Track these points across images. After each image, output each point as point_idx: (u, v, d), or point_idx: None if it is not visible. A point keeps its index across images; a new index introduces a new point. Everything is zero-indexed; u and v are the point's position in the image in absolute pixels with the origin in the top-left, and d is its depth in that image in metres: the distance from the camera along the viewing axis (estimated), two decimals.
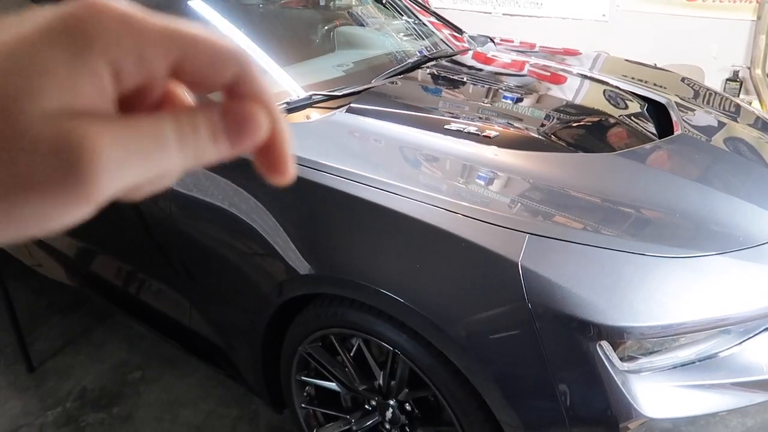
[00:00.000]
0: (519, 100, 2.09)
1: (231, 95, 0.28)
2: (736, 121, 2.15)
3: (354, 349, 1.58)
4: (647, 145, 1.73)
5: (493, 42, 2.82)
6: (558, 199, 1.46)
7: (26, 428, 2.10)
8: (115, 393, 2.24)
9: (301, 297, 1.56)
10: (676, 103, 2.08)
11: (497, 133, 1.72)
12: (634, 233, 1.37)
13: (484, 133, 1.71)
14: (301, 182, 1.53)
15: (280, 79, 2.06)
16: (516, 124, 1.85)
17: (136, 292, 2.21)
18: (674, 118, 1.92)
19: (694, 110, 2.10)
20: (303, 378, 1.69)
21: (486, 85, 2.23)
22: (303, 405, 1.73)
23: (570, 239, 1.30)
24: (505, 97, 2.11)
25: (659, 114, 2.03)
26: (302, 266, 1.49)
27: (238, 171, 1.63)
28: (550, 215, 1.38)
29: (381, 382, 1.54)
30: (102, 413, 2.15)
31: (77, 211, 0.24)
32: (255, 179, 1.66)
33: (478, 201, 1.41)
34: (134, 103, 0.27)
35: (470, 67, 2.42)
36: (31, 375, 2.34)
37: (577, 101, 2.18)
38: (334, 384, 1.64)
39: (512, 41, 2.97)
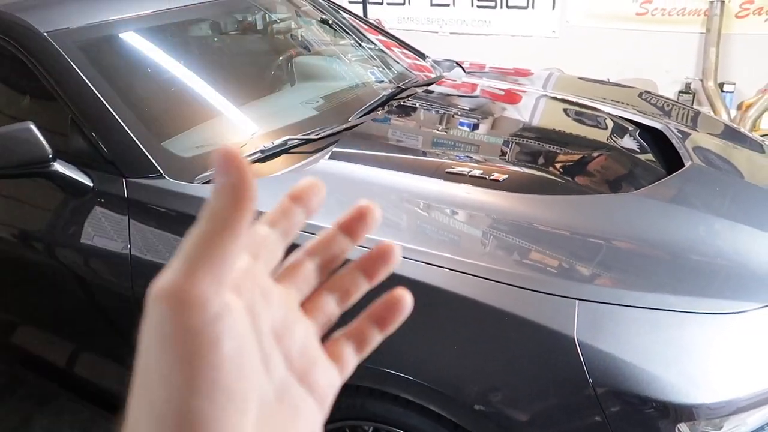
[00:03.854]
0: (493, 129, 1.93)
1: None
2: (697, 131, 2.08)
3: None
4: (664, 182, 1.60)
5: (461, 67, 2.66)
6: (593, 252, 1.30)
7: None
8: None
9: None
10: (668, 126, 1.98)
11: (506, 176, 1.55)
12: (688, 289, 1.23)
13: (492, 177, 1.54)
14: (293, 248, 1.31)
15: (247, 123, 1.83)
16: (519, 162, 1.69)
17: (85, 371, 1.90)
18: (678, 147, 1.80)
19: (669, 126, 2.00)
20: None
21: (473, 118, 2.06)
22: None
23: (623, 302, 1.14)
24: (465, 125, 1.95)
25: (656, 141, 1.92)
26: None
27: None
28: (595, 274, 1.22)
29: None
30: None
31: None
32: None
33: (511, 262, 1.23)
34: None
35: (450, 96, 2.25)
36: None
37: (581, 133, 2.04)
38: None
39: (462, 63, 2.83)
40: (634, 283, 1.22)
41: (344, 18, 2.76)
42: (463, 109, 2.16)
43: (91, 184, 1.56)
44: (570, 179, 1.61)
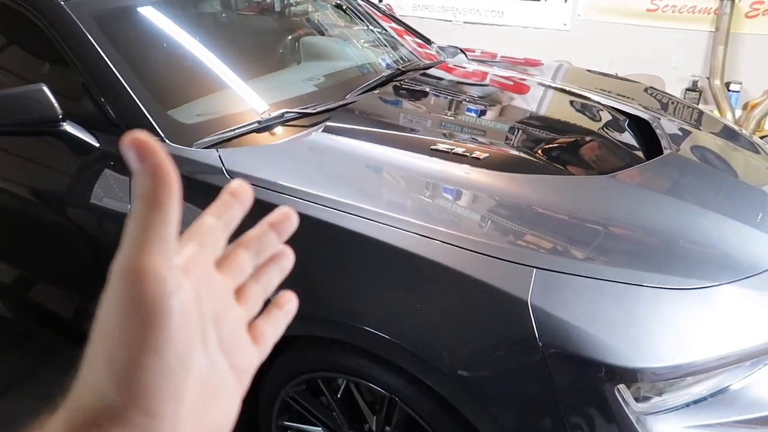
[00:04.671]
0: (483, 113, 2.00)
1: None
2: (699, 129, 2.13)
3: (341, 390, 1.46)
4: (639, 166, 1.67)
5: (464, 53, 2.73)
6: (558, 227, 1.38)
7: None
8: None
9: (282, 337, 1.42)
10: (655, 116, 2.04)
11: (487, 155, 1.63)
12: (642, 264, 1.30)
13: (473, 155, 1.62)
14: None
15: (248, 95, 1.92)
16: (503, 143, 1.76)
17: (88, 323, 2.01)
18: (661, 136, 1.86)
19: (660, 119, 2.07)
20: (285, 423, 1.55)
21: (464, 100, 2.14)
22: None
23: (579, 273, 1.22)
24: (472, 110, 2.03)
25: (642, 130, 1.98)
26: None
27: (208, 200, 1.48)
28: (555, 246, 1.30)
29: (373, 427, 1.42)
30: None
31: None
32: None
33: (478, 231, 1.32)
34: None
35: (447, 81, 2.33)
36: None
37: (564, 118, 2.11)
38: (319, 429, 1.52)
39: (474, 51, 2.90)
40: (592, 256, 1.29)
41: (355, 2, 2.84)
42: (458, 92, 2.24)
43: (97, 145, 1.66)
44: (548, 161, 1.68)
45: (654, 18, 3.87)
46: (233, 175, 1.49)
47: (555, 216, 1.40)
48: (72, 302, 2.07)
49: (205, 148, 1.61)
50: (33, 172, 1.88)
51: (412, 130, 1.83)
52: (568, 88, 2.30)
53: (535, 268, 1.21)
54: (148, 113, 1.67)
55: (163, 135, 1.63)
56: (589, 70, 2.81)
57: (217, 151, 1.58)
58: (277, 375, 1.48)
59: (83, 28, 1.78)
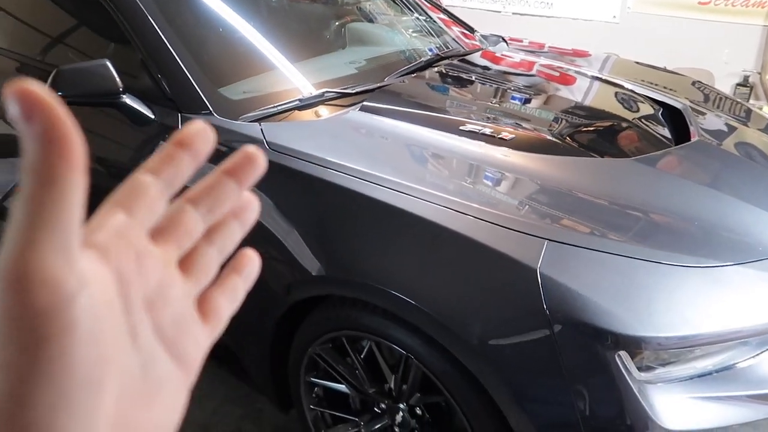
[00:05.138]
0: (529, 100, 2.07)
1: None
2: (747, 126, 2.13)
3: (365, 351, 1.57)
4: (664, 151, 1.71)
5: (505, 41, 2.79)
6: (575, 204, 1.44)
7: None
8: None
9: (311, 298, 1.54)
10: (689, 107, 2.06)
11: (513, 136, 1.70)
12: (653, 241, 1.36)
13: (500, 135, 1.69)
14: (314, 181, 1.51)
15: (292, 75, 2.04)
16: (529, 126, 1.83)
17: None
18: (690, 124, 1.90)
19: (706, 114, 2.08)
20: (312, 379, 1.67)
21: (497, 85, 2.21)
22: (312, 406, 1.71)
23: (589, 246, 1.29)
24: (516, 98, 2.09)
25: (674, 119, 2.01)
26: (313, 267, 1.47)
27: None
28: (568, 221, 1.36)
29: (392, 385, 1.52)
30: None
31: None
32: (267, 177, 1.64)
33: (496, 204, 1.39)
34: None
35: (482, 67, 2.39)
36: None
37: (590, 103, 2.16)
38: (343, 386, 1.63)
39: (521, 41, 2.95)
40: (604, 232, 1.35)
41: None
42: (493, 77, 2.30)
43: (153, 117, 1.82)
44: (573, 143, 1.74)
45: (706, 11, 3.81)
46: (273, 146, 1.60)
47: (570, 194, 1.47)
48: None
49: (251, 121, 1.74)
50: (94, 141, 2.05)
51: (443, 111, 1.92)
52: (608, 78, 2.33)
53: (547, 240, 1.28)
54: (200, 89, 1.81)
55: (211, 108, 1.76)
56: (636, 62, 2.82)
57: (260, 124, 1.70)
58: (306, 332, 1.59)
59: (144, 9, 1.93)
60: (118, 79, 1.75)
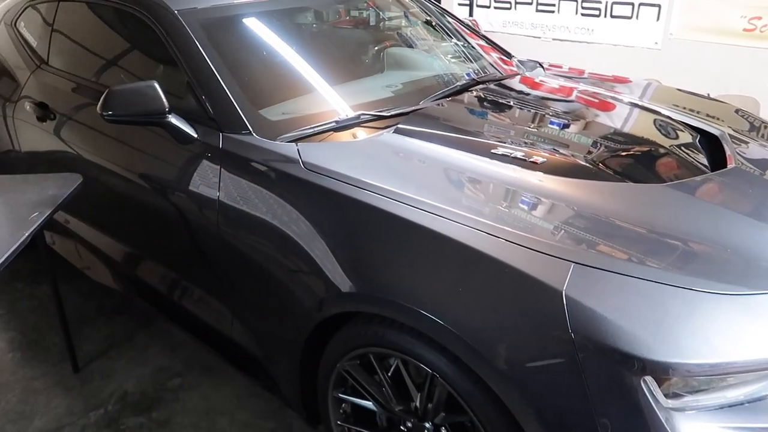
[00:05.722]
0: (566, 126, 2.08)
1: None
2: None
3: (392, 368, 1.59)
4: (698, 178, 1.70)
5: (542, 67, 2.81)
6: (604, 228, 1.44)
7: (69, 428, 2.16)
8: (154, 398, 2.29)
9: (341, 314, 1.57)
10: (729, 135, 2.04)
11: (544, 159, 1.71)
12: (683, 267, 1.34)
13: (531, 159, 1.71)
14: (347, 200, 1.56)
15: (330, 97, 2.10)
16: (563, 151, 1.84)
17: (179, 298, 2.26)
18: (727, 150, 1.87)
19: (749, 143, 2.05)
20: (340, 395, 1.70)
21: (533, 110, 2.22)
22: (339, 422, 1.73)
23: (616, 270, 1.29)
24: (553, 123, 2.10)
25: (712, 146, 1.99)
26: (344, 284, 1.50)
27: (284, 186, 1.67)
28: (595, 245, 1.37)
29: (418, 404, 1.53)
30: (141, 417, 2.20)
31: None
32: (302, 195, 1.70)
33: (523, 227, 1.41)
34: None
35: (518, 92, 2.42)
36: (75, 375, 2.41)
37: (626, 129, 2.15)
38: (370, 403, 1.65)
39: (561, 66, 2.96)
40: (636, 257, 1.35)
41: (441, 16, 2.99)
42: (530, 102, 2.32)
43: (196, 135, 1.90)
44: (604, 168, 1.74)
45: (751, 38, 3.74)
46: (308, 166, 1.66)
47: (599, 218, 1.47)
48: (167, 279, 2.32)
49: (287, 142, 1.80)
50: (140, 158, 2.14)
51: (476, 135, 1.94)
52: (646, 105, 2.32)
53: (573, 262, 1.28)
54: (241, 110, 1.89)
55: (251, 129, 1.83)
56: (678, 89, 2.79)
57: (297, 145, 1.76)
58: (335, 348, 1.62)
59: (192, 34, 2.03)
60: (164, 100, 1.85)
